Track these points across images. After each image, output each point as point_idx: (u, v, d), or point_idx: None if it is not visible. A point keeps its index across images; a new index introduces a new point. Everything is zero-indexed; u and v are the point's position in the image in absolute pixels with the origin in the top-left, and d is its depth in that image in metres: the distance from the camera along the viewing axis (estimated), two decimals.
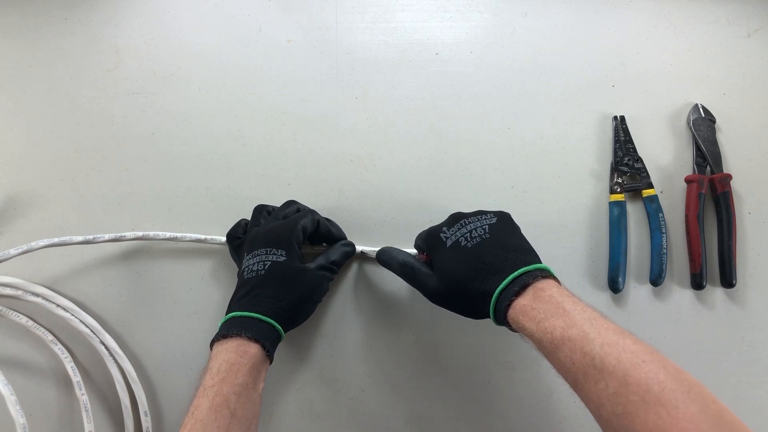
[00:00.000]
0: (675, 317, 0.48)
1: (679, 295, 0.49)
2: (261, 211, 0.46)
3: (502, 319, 0.34)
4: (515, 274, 0.34)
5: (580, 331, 0.29)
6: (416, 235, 0.44)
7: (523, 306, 0.33)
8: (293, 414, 0.47)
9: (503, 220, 0.40)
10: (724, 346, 0.48)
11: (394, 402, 0.48)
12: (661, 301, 0.49)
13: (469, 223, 0.39)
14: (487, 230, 0.38)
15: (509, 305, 0.33)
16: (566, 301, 0.32)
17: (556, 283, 0.34)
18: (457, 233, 0.39)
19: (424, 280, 0.40)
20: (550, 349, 0.30)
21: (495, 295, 0.34)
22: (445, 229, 0.40)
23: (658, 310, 0.48)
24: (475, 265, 0.36)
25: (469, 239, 0.38)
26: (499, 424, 0.47)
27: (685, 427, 0.24)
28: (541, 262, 0.36)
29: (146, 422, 0.46)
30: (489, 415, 0.48)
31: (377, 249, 0.46)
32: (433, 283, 0.39)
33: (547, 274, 0.35)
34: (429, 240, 0.41)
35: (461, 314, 0.39)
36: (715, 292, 0.49)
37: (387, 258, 0.44)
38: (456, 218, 0.41)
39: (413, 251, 0.45)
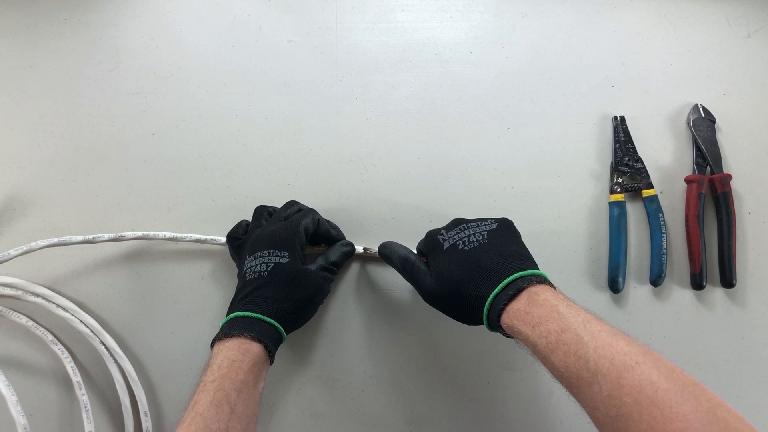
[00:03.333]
0: (675, 317, 0.48)
1: (679, 295, 0.49)
2: (262, 212, 0.46)
3: (495, 324, 0.34)
4: (510, 278, 0.34)
5: (574, 334, 0.29)
6: (418, 238, 0.44)
7: (518, 311, 0.33)
8: (293, 414, 0.47)
9: (503, 226, 0.40)
10: (724, 346, 0.48)
11: (394, 402, 0.48)
12: (661, 301, 0.49)
13: (468, 228, 0.39)
14: (485, 236, 0.38)
15: (503, 309, 0.33)
16: (560, 304, 0.32)
17: (551, 287, 0.34)
18: (455, 237, 0.39)
19: (421, 278, 0.40)
20: (545, 354, 0.30)
21: (489, 299, 0.34)
22: (443, 231, 0.40)
23: (658, 311, 0.48)
24: (470, 269, 0.36)
25: (466, 243, 0.38)
26: (499, 424, 0.47)
27: (678, 426, 0.24)
28: (537, 269, 0.36)
29: (146, 422, 0.46)
30: (489, 415, 0.48)
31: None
32: (430, 283, 0.39)
33: (542, 279, 0.34)
34: (427, 242, 0.41)
35: (454, 318, 0.39)
36: (715, 293, 0.49)
37: (389, 252, 0.43)
38: (456, 223, 0.41)
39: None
